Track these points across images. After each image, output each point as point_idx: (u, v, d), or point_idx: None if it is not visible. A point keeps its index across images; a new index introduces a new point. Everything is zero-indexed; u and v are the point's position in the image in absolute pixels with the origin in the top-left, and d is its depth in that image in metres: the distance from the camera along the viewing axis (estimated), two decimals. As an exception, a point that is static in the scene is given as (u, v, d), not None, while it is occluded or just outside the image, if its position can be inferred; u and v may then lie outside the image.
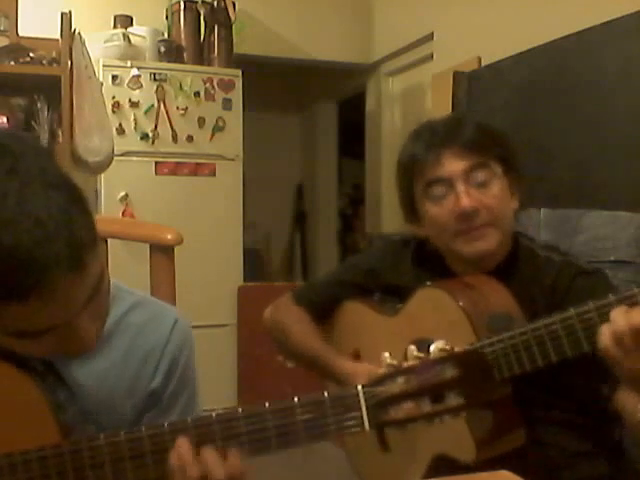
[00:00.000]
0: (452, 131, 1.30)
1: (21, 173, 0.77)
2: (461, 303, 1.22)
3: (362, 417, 0.84)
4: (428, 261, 1.40)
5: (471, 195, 1.25)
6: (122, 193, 3.37)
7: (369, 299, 1.46)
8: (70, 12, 3.02)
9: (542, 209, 1.74)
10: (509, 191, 1.31)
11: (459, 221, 1.26)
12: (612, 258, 1.60)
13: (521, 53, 2.75)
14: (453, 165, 1.27)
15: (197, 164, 3.55)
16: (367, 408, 0.84)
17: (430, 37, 3.68)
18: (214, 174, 3.59)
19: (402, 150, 1.38)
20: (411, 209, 1.37)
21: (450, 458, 1.20)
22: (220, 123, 3.56)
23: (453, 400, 0.84)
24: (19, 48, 3.13)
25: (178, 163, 3.51)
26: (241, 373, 3.65)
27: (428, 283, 1.33)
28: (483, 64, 3.13)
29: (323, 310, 1.50)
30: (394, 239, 1.56)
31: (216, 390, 3.36)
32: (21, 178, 0.77)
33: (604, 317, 1.04)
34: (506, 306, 1.23)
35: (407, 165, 1.34)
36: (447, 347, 0.86)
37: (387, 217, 4.33)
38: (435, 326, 1.26)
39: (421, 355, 0.86)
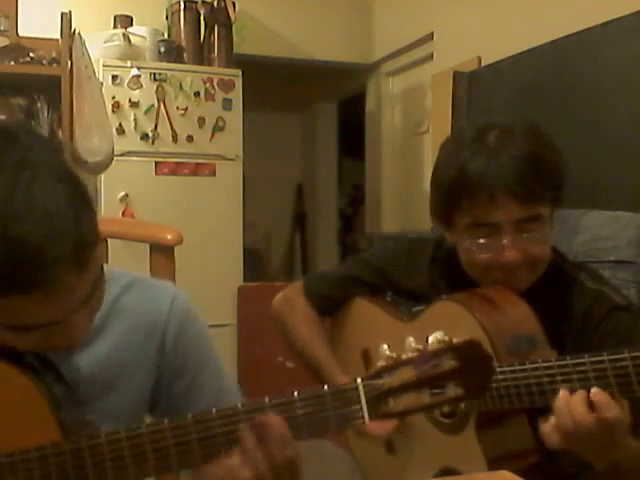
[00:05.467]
0: (508, 165, 1.16)
1: (30, 165, 0.77)
2: (480, 320, 1.15)
3: (362, 410, 0.84)
4: (446, 265, 1.34)
5: (518, 247, 1.18)
6: (122, 193, 3.37)
7: (381, 299, 1.42)
8: (70, 12, 3.02)
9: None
10: (552, 223, 1.23)
11: (499, 268, 1.20)
12: (612, 258, 1.59)
13: (521, 53, 2.75)
14: (504, 214, 1.17)
15: (197, 164, 3.55)
16: (367, 401, 0.84)
17: (430, 37, 3.68)
18: (214, 174, 3.58)
19: (449, 158, 1.24)
20: (445, 221, 1.27)
21: (458, 473, 1.18)
22: (220, 123, 3.56)
23: (452, 391, 0.84)
24: (19, 48, 3.13)
25: (178, 163, 3.51)
26: (241, 373, 3.65)
27: (443, 296, 1.27)
28: (483, 64, 3.13)
29: (332, 305, 1.48)
30: (411, 238, 1.50)
31: (216, 390, 3.35)
32: (31, 170, 0.77)
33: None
34: (529, 327, 1.15)
35: (455, 188, 1.20)
36: (445, 338, 0.85)
37: (387, 217, 4.33)
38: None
39: (419, 347, 0.86)
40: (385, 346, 0.86)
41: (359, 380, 0.85)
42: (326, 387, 0.86)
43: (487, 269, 1.22)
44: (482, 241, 1.20)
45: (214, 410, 0.85)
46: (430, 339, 0.86)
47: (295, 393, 0.86)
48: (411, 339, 0.85)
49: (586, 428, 1.00)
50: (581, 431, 1.00)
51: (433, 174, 1.28)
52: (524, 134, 1.21)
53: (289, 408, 0.85)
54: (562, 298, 1.25)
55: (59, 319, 0.82)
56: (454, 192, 1.20)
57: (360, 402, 0.84)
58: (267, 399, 0.85)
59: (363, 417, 0.84)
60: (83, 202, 0.81)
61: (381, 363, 0.86)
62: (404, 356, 0.85)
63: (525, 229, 1.19)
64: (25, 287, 0.76)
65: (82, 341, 0.88)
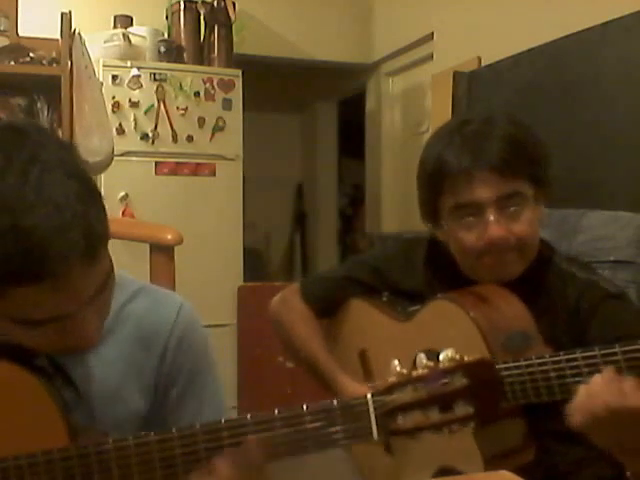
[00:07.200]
0: (484, 145, 1.22)
1: (41, 161, 0.79)
2: (475, 318, 1.17)
3: (371, 426, 0.83)
4: (440, 264, 1.35)
5: (501, 224, 1.21)
6: (122, 193, 3.37)
7: (377, 299, 1.43)
8: (70, 12, 3.02)
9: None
10: (538, 209, 1.26)
11: (486, 248, 1.22)
12: (612, 258, 1.59)
13: (521, 53, 2.75)
14: (484, 191, 1.21)
15: (197, 164, 3.55)
16: (376, 417, 0.83)
17: (430, 37, 3.67)
18: (214, 174, 3.58)
19: (430, 150, 1.29)
20: (432, 215, 1.30)
21: (456, 471, 1.18)
22: (220, 123, 3.56)
23: (462, 410, 0.83)
24: (19, 48, 3.13)
25: (178, 163, 3.51)
26: (241, 373, 3.65)
27: (439, 295, 1.28)
28: (483, 64, 3.13)
29: (329, 307, 1.49)
30: (406, 238, 1.52)
31: (216, 390, 3.35)
32: (41, 165, 0.78)
33: (630, 362, 1.01)
34: (523, 324, 1.17)
35: (435, 175, 1.25)
36: (457, 356, 0.84)
37: (387, 217, 4.33)
38: (447, 340, 1.21)
39: (430, 364, 0.85)
40: (396, 362, 0.86)
41: (369, 395, 0.84)
42: (335, 402, 0.84)
43: (478, 257, 1.24)
44: (469, 219, 1.23)
45: (223, 420, 0.85)
46: (441, 356, 0.85)
47: (304, 406, 0.85)
48: (422, 355, 0.85)
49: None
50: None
51: (417, 171, 1.31)
52: (501, 120, 1.26)
53: (298, 421, 0.84)
54: (554, 289, 1.26)
55: (69, 313, 0.82)
56: (434, 178, 1.25)
57: (369, 418, 0.83)
58: (276, 411, 0.84)
59: (371, 433, 0.83)
60: (92, 197, 0.82)
61: (392, 379, 0.85)
62: (415, 373, 0.84)
63: (507, 205, 1.22)
64: (35, 277, 0.76)
65: (94, 342, 0.88)
